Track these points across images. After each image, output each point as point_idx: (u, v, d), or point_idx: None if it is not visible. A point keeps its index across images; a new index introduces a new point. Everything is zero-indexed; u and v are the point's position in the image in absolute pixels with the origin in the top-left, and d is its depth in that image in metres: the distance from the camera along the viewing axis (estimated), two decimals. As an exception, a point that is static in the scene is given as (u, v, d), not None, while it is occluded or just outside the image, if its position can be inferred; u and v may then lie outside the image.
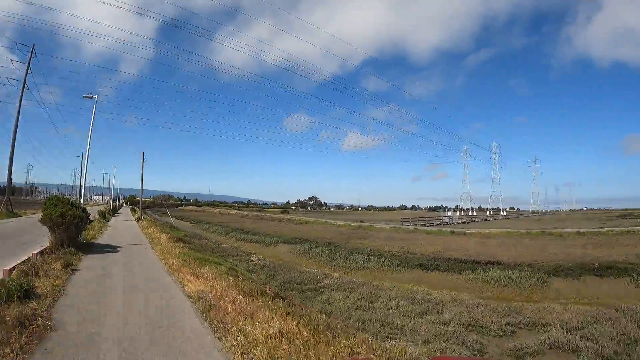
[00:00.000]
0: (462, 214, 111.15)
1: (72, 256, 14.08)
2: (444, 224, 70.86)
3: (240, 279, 13.25)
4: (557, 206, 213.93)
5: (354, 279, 23.71)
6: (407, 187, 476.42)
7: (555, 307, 18.81)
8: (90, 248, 17.73)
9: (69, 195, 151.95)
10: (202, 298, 8.77)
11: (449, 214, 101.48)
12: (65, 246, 15.43)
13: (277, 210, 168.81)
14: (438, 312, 17.42)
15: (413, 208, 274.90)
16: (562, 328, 14.91)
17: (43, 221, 15.93)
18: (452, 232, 49.36)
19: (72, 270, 12.01)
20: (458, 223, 76.45)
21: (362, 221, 75.43)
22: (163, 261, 15.11)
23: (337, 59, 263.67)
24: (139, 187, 45.29)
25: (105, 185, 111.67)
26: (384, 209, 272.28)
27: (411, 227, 58.70)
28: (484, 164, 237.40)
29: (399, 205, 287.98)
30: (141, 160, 43.93)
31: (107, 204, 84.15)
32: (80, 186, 21.51)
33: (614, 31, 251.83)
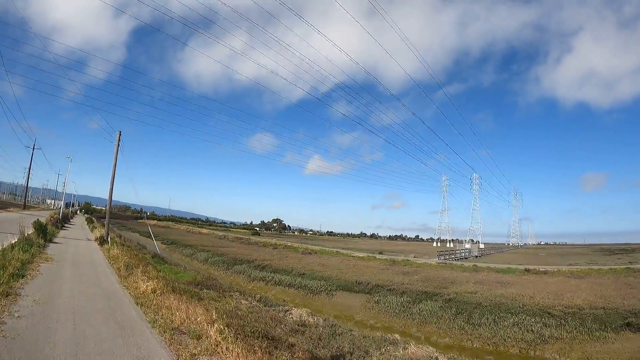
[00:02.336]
0: (483, 246, 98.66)
1: None
2: (462, 258, 59.93)
3: None
4: (517, 240, 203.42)
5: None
6: (366, 215, 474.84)
7: None
8: None
9: (18, 196, 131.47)
10: None
11: (467, 246, 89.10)
12: None
13: (245, 231, 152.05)
14: None
15: (373, 236, 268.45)
16: None
17: None
18: (527, 271, 38.05)
19: None
20: (475, 256, 66.10)
21: (381, 252, 62.21)
22: None
23: (306, 82, 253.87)
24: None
25: (60, 190, 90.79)
26: (347, 235, 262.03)
27: (468, 264, 45.66)
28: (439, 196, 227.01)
29: (359, 233, 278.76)
30: (116, 143, 26.81)
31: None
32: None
33: (580, 73, 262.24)
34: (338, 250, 61.20)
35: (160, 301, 9.85)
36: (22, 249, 13.82)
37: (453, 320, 19.30)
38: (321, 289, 26.15)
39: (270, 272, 31.60)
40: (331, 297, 24.97)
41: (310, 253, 53.33)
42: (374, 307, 22.46)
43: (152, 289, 10.85)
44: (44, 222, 23.95)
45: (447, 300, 22.86)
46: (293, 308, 17.31)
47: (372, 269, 36.89)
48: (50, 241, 22.02)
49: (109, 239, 25.58)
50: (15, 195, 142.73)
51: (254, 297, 18.72)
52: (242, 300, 15.96)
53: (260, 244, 67.46)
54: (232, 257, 39.63)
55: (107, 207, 28.56)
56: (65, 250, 19.66)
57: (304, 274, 31.17)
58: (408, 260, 48.50)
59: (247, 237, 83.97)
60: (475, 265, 43.36)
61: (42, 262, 13.74)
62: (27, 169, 72.66)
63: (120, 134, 27.48)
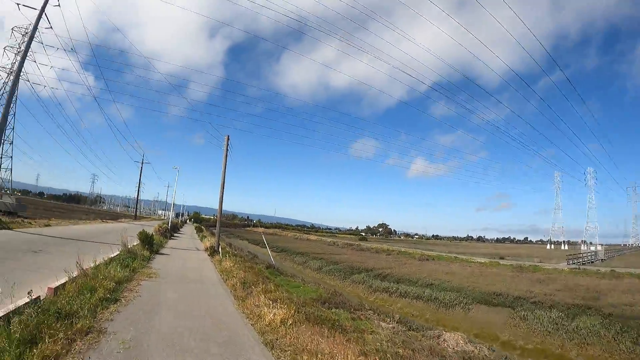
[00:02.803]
0: (601, 248, 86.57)
1: None
2: (588, 262, 51.53)
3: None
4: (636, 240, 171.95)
5: None
6: (470, 217, 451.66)
7: None
8: None
9: (131, 208, 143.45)
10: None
11: (592, 248, 77.86)
12: None
13: (352, 236, 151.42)
14: None
15: (479, 239, 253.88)
16: None
17: None
18: None
19: None
20: (601, 260, 56.57)
21: (502, 257, 55.86)
22: None
23: (404, 83, 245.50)
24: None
25: (169, 201, 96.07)
26: (453, 238, 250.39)
27: (603, 269, 37.92)
28: (550, 193, 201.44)
29: (465, 236, 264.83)
30: (225, 147, 25.58)
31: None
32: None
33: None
34: (456, 255, 55.90)
35: (296, 338, 6.95)
36: (120, 264, 11.94)
37: (618, 340, 14.99)
38: (454, 302, 22.12)
39: (393, 282, 28.11)
40: (467, 311, 20.84)
41: (427, 259, 48.94)
42: (519, 324, 18.17)
43: (281, 318, 8.00)
44: (151, 233, 22.89)
45: (606, 315, 18.20)
46: (444, 332, 13.65)
47: (500, 277, 31.88)
48: (157, 252, 21.05)
49: (219, 248, 24.03)
50: (129, 207, 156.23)
51: (392, 317, 15.39)
52: (380, 323, 12.73)
53: (372, 250, 64.24)
54: (347, 266, 36.85)
55: (218, 214, 27.18)
56: (172, 263, 18.11)
57: (431, 284, 27.21)
58: (536, 265, 42.14)
59: (357, 243, 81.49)
60: (613, 270, 36.09)
61: (144, 279, 11.73)
62: (138, 183, 79.10)
63: (228, 138, 26.28)
